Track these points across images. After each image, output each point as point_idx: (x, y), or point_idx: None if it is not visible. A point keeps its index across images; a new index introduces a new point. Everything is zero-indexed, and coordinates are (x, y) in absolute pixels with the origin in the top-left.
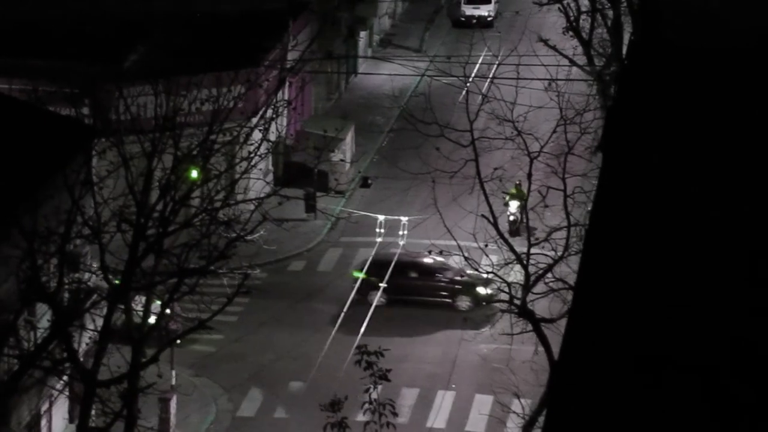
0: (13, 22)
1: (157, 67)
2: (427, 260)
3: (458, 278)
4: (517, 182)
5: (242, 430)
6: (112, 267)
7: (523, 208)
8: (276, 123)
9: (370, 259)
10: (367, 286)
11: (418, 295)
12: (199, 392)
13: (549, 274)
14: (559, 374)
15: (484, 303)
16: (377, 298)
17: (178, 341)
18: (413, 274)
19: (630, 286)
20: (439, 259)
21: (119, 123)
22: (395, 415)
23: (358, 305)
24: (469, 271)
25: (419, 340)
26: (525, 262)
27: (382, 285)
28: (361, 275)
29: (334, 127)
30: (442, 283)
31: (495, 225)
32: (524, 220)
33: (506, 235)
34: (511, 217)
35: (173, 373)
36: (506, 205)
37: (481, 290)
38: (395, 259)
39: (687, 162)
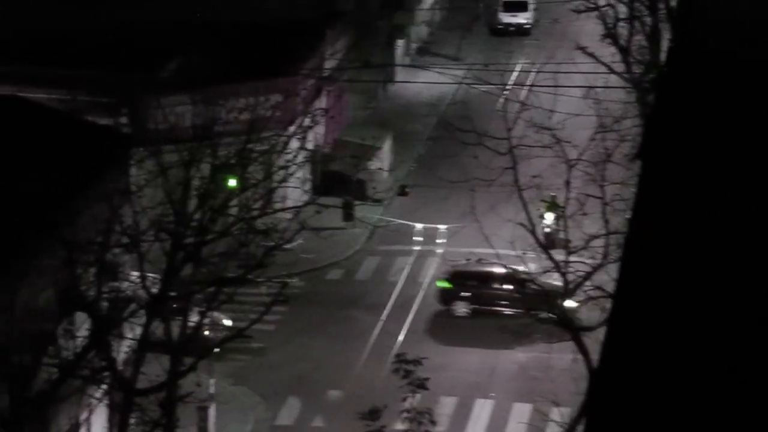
0: (52, 33)
1: (194, 76)
2: (512, 271)
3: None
4: (552, 194)
5: None
6: (151, 276)
7: (558, 220)
8: (313, 132)
9: (454, 269)
10: (451, 297)
11: (501, 306)
12: (237, 401)
13: (587, 282)
14: (598, 382)
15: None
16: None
17: (217, 350)
18: (497, 285)
19: (669, 294)
20: (525, 270)
21: (157, 132)
22: (433, 423)
23: (442, 316)
24: (554, 283)
25: (458, 349)
26: (563, 270)
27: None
28: (445, 285)
29: (372, 135)
30: (527, 295)
31: (533, 233)
32: (559, 233)
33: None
34: (546, 230)
35: (212, 381)
36: (541, 217)
37: (567, 303)
38: (480, 269)
39: (726, 170)
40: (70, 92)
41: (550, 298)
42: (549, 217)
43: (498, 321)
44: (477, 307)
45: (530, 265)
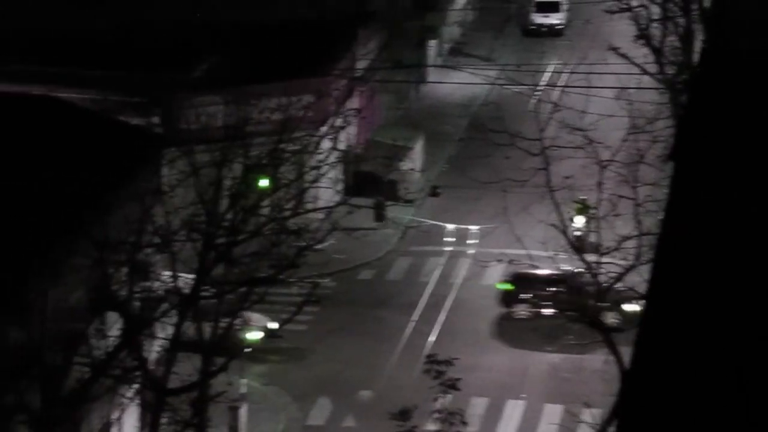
0: (85, 33)
1: (226, 76)
2: (574, 275)
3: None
4: (583, 197)
5: None
6: (182, 276)
7: (588, 223)
8: (345, 132)
9: (515, 272)
10: (512, 299)
11: (561, 310)
12: (268, 401)
13: (619, 284)
14: (630, 383)
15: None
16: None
17: (248, 350)
18: (558, 288)
19: (702, 295)
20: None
21: (189, 132)
22: (465, 424)
23: (503, 319)
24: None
25: (489, 350)
26: (595, 271)
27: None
28: (507, 287)
29: (404, 136)
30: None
31: (565, 234)
32: (589, 237)
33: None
34: (577, 233)
35: (243, 381)
36: (571, 220)
37: (629, 307)
38: (540, 272)
39: (759, 171)
40: (103, 92)
41: (617, 304)
42: (579, 221)
43: (531, 323)
44: (536, 309)
45: (562, 266)
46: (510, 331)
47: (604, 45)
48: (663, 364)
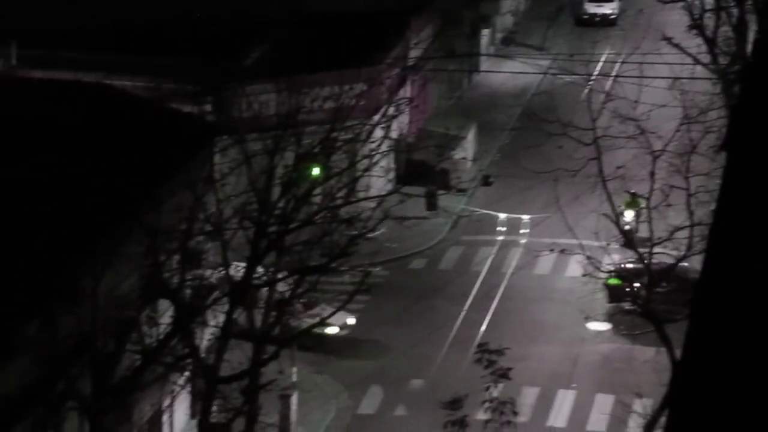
0: (136, 21)
1: (279, 65)
2: (688, 271)
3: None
4: (632, 191)
5: (362, 427)
6: (234, 264)
7: (638, 217)
8: (397, 121)
9: (623, 266)
10: (621, 293)
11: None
12: (319, 389)
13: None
14: (682, 374)
15: None
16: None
17: (299, 338)
18: (671, 285)
19: (754, 286)
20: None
21: (241, 120)
22: (515, 413)
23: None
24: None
25: (540, 339)
26: (647, 261)
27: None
28: (616, 282)
29: (456, 125)
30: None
31: (617, 224)
32: (638, 232)
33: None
34: (626, 227)
35: (294, 370)
36: (621, 215)
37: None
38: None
39: None
40: (155, 80)
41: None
42: (629, 215)
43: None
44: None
45: (614, 256)
46: (563, 320)
47: (657, 35)
48: (714, 356)
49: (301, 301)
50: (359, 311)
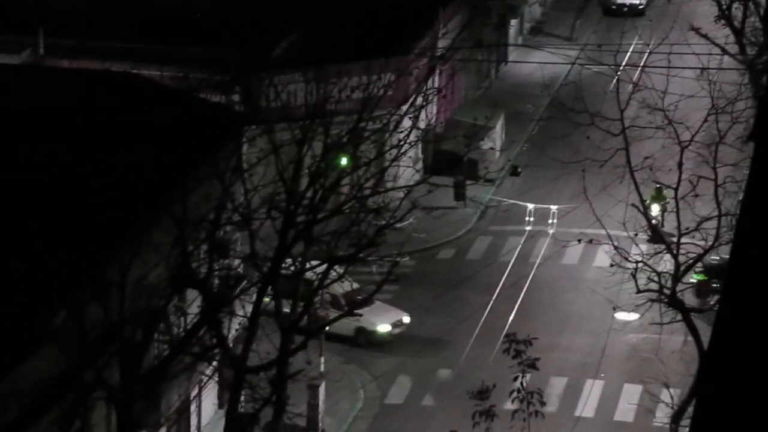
0: (165, 10)
1: (307, 54)
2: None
3: None
4: (658, 185)
5: (390, 417)
6: (262, 254)
7: (663, 212)
8: (426, 111)
9: (710, 261)
10: (707, 289)
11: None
12: (347, 379)
13: (699, 264)
14: (709, 364)
15: None
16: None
17: (327, 328)
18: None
19: None
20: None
21: (269, 110)
22: (543, 404)
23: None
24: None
25: (568, 329)
26: (675, 251)
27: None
28: (701, 278)
29: (484, 115)
30: None
31: (645, 214)
32: (664, 226)
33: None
34: (652, 221)
35: (322, 360)
36: (647, 209)
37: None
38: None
39: None
40: (184, 70)
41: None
42: (654, 209)
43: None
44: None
45: (641, 246)
46: (591, 310)
47: (685, 25)
48: (742, 346)
49: (358, 297)
50: (387, 302)
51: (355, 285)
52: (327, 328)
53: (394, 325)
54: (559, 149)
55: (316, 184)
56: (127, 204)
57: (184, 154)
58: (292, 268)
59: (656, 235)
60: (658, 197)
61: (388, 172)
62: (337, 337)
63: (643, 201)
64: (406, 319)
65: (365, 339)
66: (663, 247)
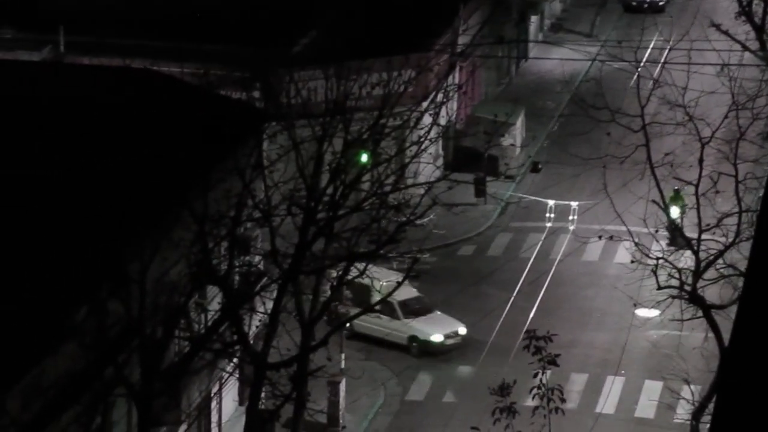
0: (185, 7)
1: (327, 51)
2: None
3: None
4: (676, 187)
5: (411, 414)
6: (282, 250)
7: (682, 215)
8: (446, 107)
9: None
10: None
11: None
12: (368, 376)
13: (720, 260)
14: (730, 361)
15: None
16: None
17: (348, 325)
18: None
19: None
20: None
21: (290, 107)
22: (563, 400)
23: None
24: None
25: (589, 326)
26: (695, 248)
27: None
28: None
29: (505, 111)
30: None
31: (666, 211)
32: (683, 228)
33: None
34: (673, 224)
35: (342, 356)
36: (665, 212)
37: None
38: None
39: None
40: (204, 66)
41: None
42: (674, 211)
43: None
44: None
45: (662, 243)
46: (612, 307)
47: (705, 21)
48: (763, 342)
49: (416, 306)
50: None
51: (414, 293)
52: (380, 335)
53: (448, 336)
54: (580, 146)
55: (337, 180)
56: (148, 201)
57: (204, 151)
58: (313, 264)
59: (675, 238)
60: (677, 199)
61: (408, 169)
62: (390, 345)
63: (663, 198)
64: (462, 330)
65: (418, 348)
66: (684, 243)
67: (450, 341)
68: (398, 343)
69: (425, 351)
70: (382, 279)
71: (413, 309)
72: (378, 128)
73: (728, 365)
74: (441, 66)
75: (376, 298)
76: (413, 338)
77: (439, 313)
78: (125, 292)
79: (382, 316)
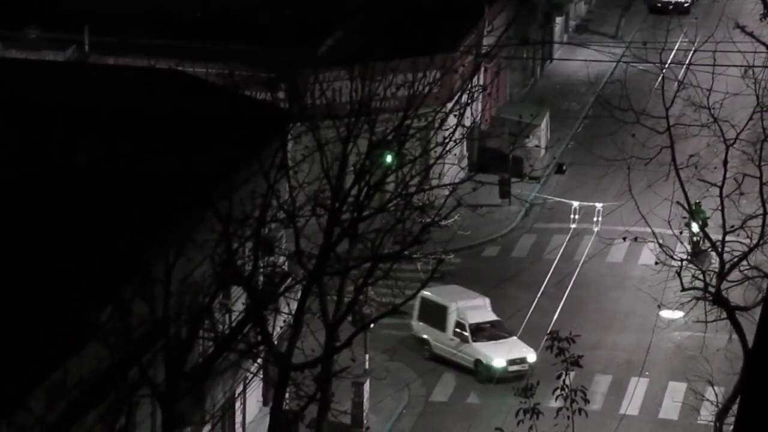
0: (210, 7)
1: (352, 52)
2: None
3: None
4: (697, 201)
5: (435, 415)
6: (307, 251)
7: (703, 229)
8: (471, 108)
9: None
10: None
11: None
12: (392, 377)
13: (744, 262)
14: (754, 362)
15: None
16: None
17: (372, 326)
18: None
19: None
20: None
21: (315, 108)
22: (587, 401)
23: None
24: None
25: (613, 327)
26: (720, 249)
27: None
28: None
29: (529, 113)
30: None
31: (690, 212)
32: (706, 243)
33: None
34: (694, 238)
35: (367, 357)
36: (687, 225)
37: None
38: None
39: None
40: (229, 67)
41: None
42: (694, 226)
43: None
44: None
45: (686, 244)
46: (636, 308)
47: (730, 23)
48: None
49: (491, 330)
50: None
51: (492, 316)
52: (445, 356)
53: (512, 362)
54: (604, 147)
55: (361, 181)
56: (173, 201)
57: (229, 152)
58: (337, 265)
59: (698, 252)
60: (698, 212)
61: (433, 170)
62: (458, 367)
63: (688, 200)
64: (531, 358)
65: (481, 373)
66: (708, 245)
67: (514, 368)
68: (466, 366)
69: (488, 377)
70: (458, 300)
71: (487, 332)
72: (403, 129)
73: (752, 367)
74: (466, 67)
75: (453, 319)
76: (478, 362)
77: (515, 338)
78: (150, 293)
79: (455, 338)
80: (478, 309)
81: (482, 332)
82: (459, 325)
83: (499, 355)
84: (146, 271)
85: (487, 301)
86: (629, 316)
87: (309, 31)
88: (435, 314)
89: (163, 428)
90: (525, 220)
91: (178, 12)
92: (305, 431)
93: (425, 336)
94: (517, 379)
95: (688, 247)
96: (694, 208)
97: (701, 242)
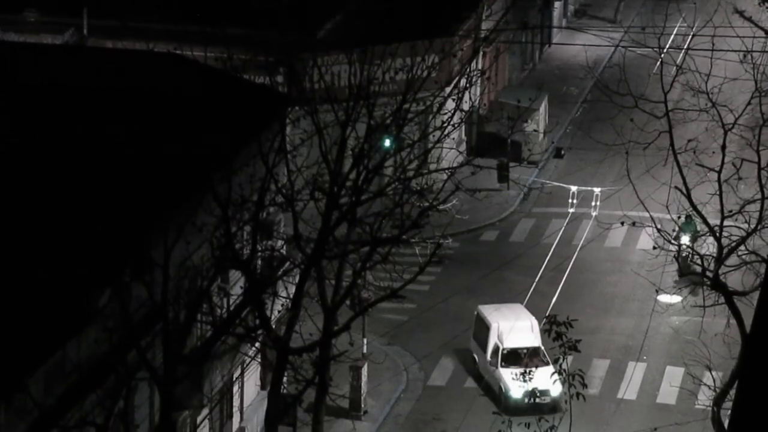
0: None
1: (351, 36)
2: None
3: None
4: (687, 213)
5: (433, 399)
6: (305, 235)
7: (694, 241)
8: (470, 93)
9: None
10: None
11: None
12: (390, 361)
13: (742, 247)
14: (752, 347)
15: None
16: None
17: (370, 310)
18: None
19: None
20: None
21: (313, 92)
22: (585, 386)
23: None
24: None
25: (611, 312)
26: (718, 234)
27: None
28: None
29: (528, 97)
30: None
31: (688, 197)
32: (696, 258)
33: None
34: (683, 253)
35: (365, 341)
36: (676, 239)
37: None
38: None
39: None
40: (227, 50)
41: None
42: (684, 239)
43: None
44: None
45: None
46: (634, 293)
47: (729, 8)
48: None
49: (528, 356)
50: (430, 283)
51: (535, 343)
52: (484, 377)
53: (531, 394)
54: (603, 132)
55: (360, 165)
56: (172, 185)
57: (228, 135)
58: (335, 249)
59: (686, 268)
60: (688, 225)
61: (431, 154)
62: (489, 392)
63: (686, 184)
64: (555, 391)
65: (501, 401)
66: (706, 229)
67: (533, 400)
68: (495, 392)
69: (505, 406)
70: (501, 321)
71: (520, 359)
72: (401, 113)
73: (750, 351)
74: (465, 51)
75: (493, 341)
76: (499, 389)
77: (550, 367)
78: (149, 276)
79: (492, 359)
80: (520, 332)
81: (514, 358)
82: (495, 347)
83: (519, 385)
84: (145, 254)
85: (535, 324)
86: (627, 301)
87: (308, 15)
88: (482, 333)
89: (161, 411)
90: (523, 204)
91: None
92: (303, 415)
93: (474, 355)
94: (535, 412)
95: (679, 262)
96: (684, 221)
97: (690, 258)
